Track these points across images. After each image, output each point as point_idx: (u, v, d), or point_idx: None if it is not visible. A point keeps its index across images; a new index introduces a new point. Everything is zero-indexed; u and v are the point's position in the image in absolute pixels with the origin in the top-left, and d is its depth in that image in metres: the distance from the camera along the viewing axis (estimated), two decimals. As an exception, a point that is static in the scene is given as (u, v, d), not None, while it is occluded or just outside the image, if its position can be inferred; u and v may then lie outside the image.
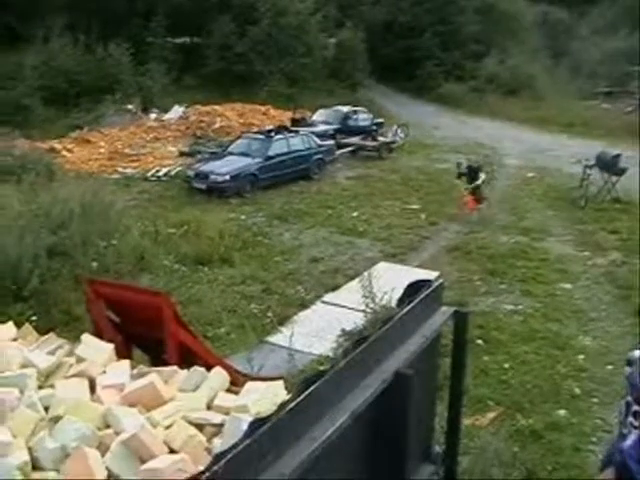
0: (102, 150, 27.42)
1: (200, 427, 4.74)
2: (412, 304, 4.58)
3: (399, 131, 32.15)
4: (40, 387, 5.25)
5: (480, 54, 48.99)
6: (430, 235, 18.62)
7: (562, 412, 9.80)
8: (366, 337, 3.97)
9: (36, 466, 4.35)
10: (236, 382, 5.64)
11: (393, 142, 30.47)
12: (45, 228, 13.27)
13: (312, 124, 30.49)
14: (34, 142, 25.89)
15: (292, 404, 3.16)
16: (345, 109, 33.19)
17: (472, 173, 20.16)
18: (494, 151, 31.07)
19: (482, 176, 20.17)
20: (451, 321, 5.22)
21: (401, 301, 4.81)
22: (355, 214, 20.25)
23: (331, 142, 27.12)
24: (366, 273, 13.73)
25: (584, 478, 8.10)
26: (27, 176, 16.92)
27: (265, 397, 4.94)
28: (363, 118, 32.86)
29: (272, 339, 12.15)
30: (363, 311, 11.86)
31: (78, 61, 34.96)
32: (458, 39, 48.69)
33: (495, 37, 50.67)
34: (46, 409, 4.86)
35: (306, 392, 3.25)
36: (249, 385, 5.28)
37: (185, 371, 5.55)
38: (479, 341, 11.78)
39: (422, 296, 4.76)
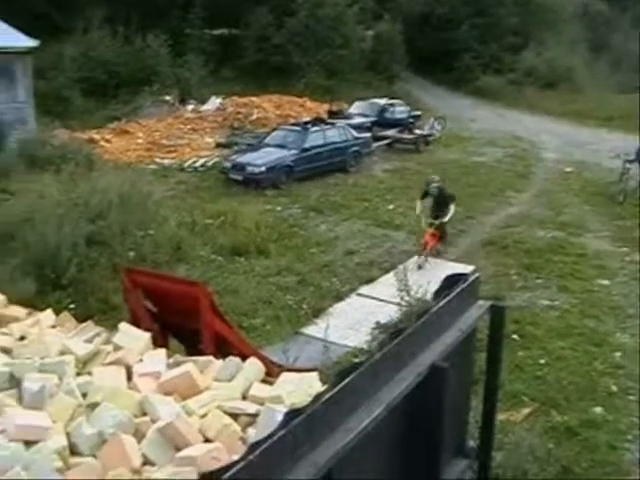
0: (140, 141, 27.63)
1: (235, 417, 4.77)
2: (448, 297, 4.57)
3: (436, 124, 31.95)
4: (78, 374, 5.32)
5: (518, 46, 48.51)
6: (466, 229, 18.48)
7: (598, 409, 9.72)
8: (402, 330, 3.97)
9: (74, 451, 4.42)
10: (271, 373, 5.68)
11: (430, 135, 30.29)
12: (84, 217, 13.44)
13: (349, 116, 30.42)
14: (73, 132, 26.18)
15: (327, 395, 3.17)
16: (382, 101, 33.05)
17: (441, 202, 16.25)
18: (532, 145, 30.85)
19: (452, 208, 16.11)
20: (487, 315, 5.19)
21: (437, 294, 4.80)
22: (391, 207, 20.19)
23: (368, 135, 27.05)
24: (401, 266, 13.75)
25: (619, 476, 8.03)
26: (66, 166, 17.12)
27: (300, 388, 4.97)
28: (400, 111, 32.71)
29: (307, 331, 12.19)
30: (398, 304, 11.86)
31: (117, 52, 35.18)
32: (496, 31, 48.17)
33: (533, 29, 50.14)
34: (84, 396, 4.93)
35: (341, 384, 3.25)
36: (284, 376, 5.30)
37: (220, 361, 5.59)
38: (514, 336, 11.71)
39: (458, 290, 4.74)
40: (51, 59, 30.85)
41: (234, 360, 5.51)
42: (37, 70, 26.05)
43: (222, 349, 6.11)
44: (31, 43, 23.83)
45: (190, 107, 33.55)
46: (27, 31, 24.08)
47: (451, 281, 4.89)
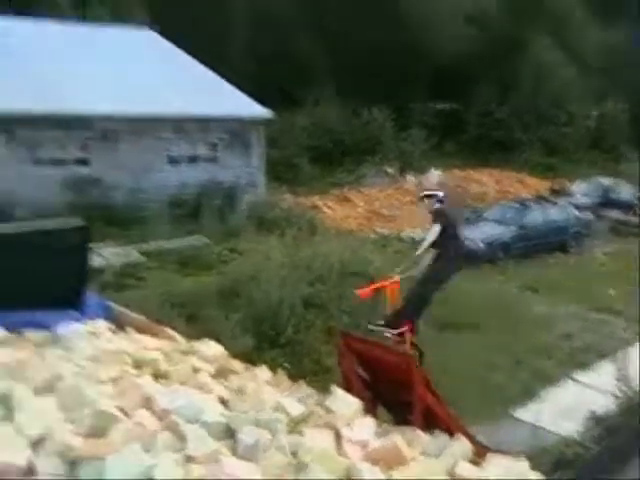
0: (360, 209, 28.39)
1: (439, 494, 4.75)
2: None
3: (666, 208, 30.37)
4: (289, 432, 5.49)
5: None
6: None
7: None
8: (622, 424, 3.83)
9: (281, 511, 4.55)
10: (477, 452, 5.60)
11: (659, 219, 28.85)
12: (304, 280, 13.97)
13: (571, 195, 29.69)
14: (298, 198, 27.37)
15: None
16: (606, 181, 32.07)
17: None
18: None
19: (436, 229, 9.67)
20: None
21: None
22: (612, 292, 19.30)
23: (590, 215, 26.24)
24: (620, 354, 13.08)
25: None
26: (290, 229, 17.90)
27: (509, 474, 4.86)
28: (625, 191, 31.44)
29: (516, 413, 11.86)
30: (615, 395, 11.28)
31: (344, 123, 36.46)
32: None
33: None
34: (293, 454, 5.08)
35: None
36: (492, 459, 5.21)
37: (428, 435, 5.59)
38: None
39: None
40: (284, 128, 32.53)
41: (443, 436, 5.51)
42: (270, 139, 27.58)
43: (430, 422, 6.12)
44: (267, 114, 25.39)
45: (410, 179, 34.06)
46: (265, 102, 25.68)
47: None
